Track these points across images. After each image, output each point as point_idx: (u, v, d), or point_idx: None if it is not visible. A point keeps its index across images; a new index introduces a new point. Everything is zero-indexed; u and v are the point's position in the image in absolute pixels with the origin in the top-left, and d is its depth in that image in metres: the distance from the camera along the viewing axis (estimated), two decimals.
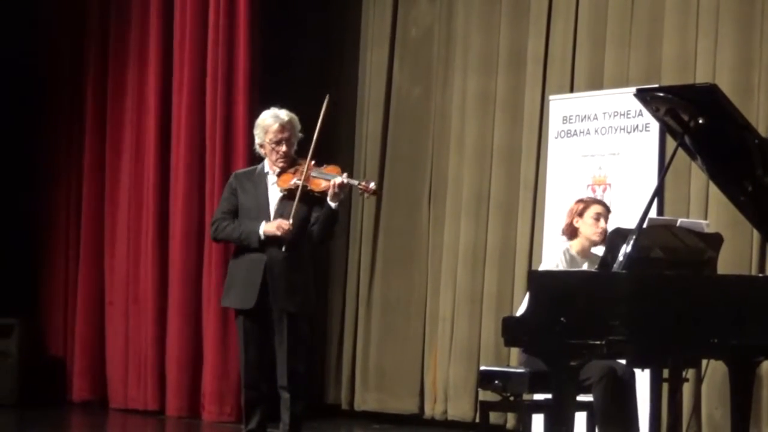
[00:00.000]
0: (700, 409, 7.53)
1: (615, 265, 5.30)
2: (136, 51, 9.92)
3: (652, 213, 6.15)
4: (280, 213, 6.47)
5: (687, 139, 5.58)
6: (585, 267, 6.55)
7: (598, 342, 5.17)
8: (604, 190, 7.92)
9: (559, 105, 8.25)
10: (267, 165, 6.63)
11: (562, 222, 6.80)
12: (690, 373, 6.96)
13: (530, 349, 5.93)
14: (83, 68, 10.31)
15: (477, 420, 8.00)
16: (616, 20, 8.23)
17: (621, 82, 8.08)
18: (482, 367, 6.96)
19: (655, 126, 7.56)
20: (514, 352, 7.90)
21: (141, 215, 9.75)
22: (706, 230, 5.97)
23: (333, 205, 6.42)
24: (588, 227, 6.63)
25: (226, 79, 9.17)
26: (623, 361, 6.23)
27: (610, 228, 5.98)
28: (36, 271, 10.54)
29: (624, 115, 7.89)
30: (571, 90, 8.38)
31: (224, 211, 6.68)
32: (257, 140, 6.62)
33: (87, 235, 10.18)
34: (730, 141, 5.52)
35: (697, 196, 7.72)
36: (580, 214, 6.67)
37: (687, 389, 7.02)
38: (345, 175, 6.46)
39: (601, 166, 7.98)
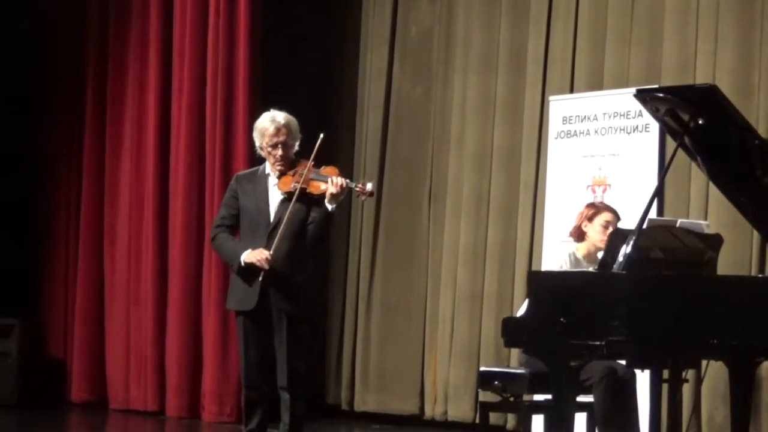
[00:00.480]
0: (700, 410, 7.53)
1: (615, 266, 5.30)
2: (136, 51, 9.92)
3: (652, 213, 6.16)
4: (279, 216, 6.46)
5: (687, 140, 5.57)
6: None
7: (597, 342, 5.17)
8: (604, 191, 7.92)
9: (559, 105, 8.25)
10: (268, 166, 6.62)
11: (564, 222, 6.80)
12: (690, 374, 6.96)
13: (530, 350, 5.92)
14: (83, 68, 10.31)
15: (477, 421, 7.99)
16: (616, 21, 8.23)
17: (621, 83, 8.08)
18: (482, 368, 6.97)
19: (655, 127, 7.56)
20: (515, 352, 7.90)
21: (141, 215, 9.75)
22: (706, 231, 5.96)
23: (330, 207, 6.40)
24: (596, 233, 6.60)
25: (227, 79, 9.18)
26: (624, 362, 6.23)
27: None
28: (36, 272, 10.54)
29: (624, 115, 7.89)
30: (571, 90, 8.39)
31: (223, 216, 6.66)
32: (256, 143, 6.62)
33: (87, 235, 10.18)
34: (730, 142, 5.52)
35: (697, 196, 7.72)
36: (590, 219, 6.64)
37: (687, 390, 7.03)
38: (341, 177, 6.43)
39: (601, 166, 7.98)
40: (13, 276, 10.28)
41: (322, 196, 6.41)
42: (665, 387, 5.94)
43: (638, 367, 6.14)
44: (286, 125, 6.53)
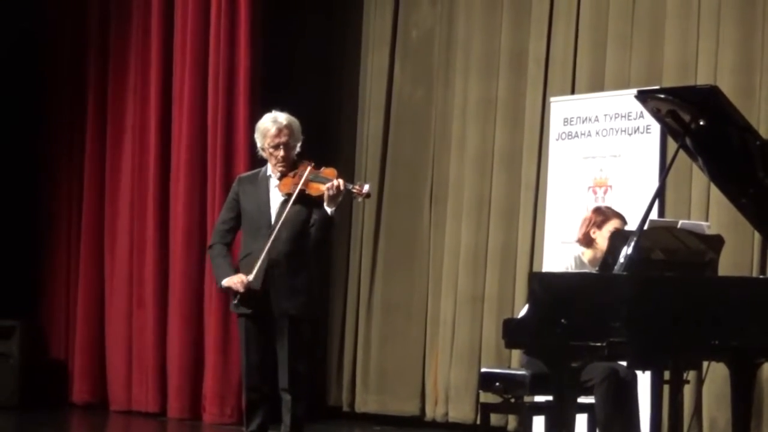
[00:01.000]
0: (701, 411, 7.53)
1: (616, 267, 5.30)
2: (137, 51, 9.92)
3: (653, 215, 6.16)
4: (279, 218, 6.45)
5: (688, 141, 5.58)
6: None
7: (598, 344, 5.16)
8: (605, 192, 7.92)
9: (560, 107, 8.24)
10: (270, 168, 6.62)
11: (565, 224, 6.78)
12: (691, 375, 6.96)
13: (531, 351, 5.92)
14: (84, 68, 10.30)
15: (478, 422, 7.99)
16: (617, 22, 8.23)
17: (622, 84, 8.08)
18: (483, 369, 6.96)
19: (656, 128, 7.56)
20: (515, 353, 7.91)
21: (142, 217, 9.75)
22: (707, 232, 5.96)
23: (329, 210, 6.39)
24: (605, 240, 6.49)
25: (228, 80, 9.18)
26: (625, 363, 6.23)
27: None
28: (37, 273, 10.53)
29: (625, 116, 7.89)
30: (572, 92, 8.39)
31: (224, 220, 6.67)
32: (258, 144, 6.61)
33: (88, 236, 10.17)
34: (731, 143, 5.52)
35: (698, 197, 7.72)
36: (599, 226, 6.57)
37: (688, 391, 7.03)
38: (338, 179, 6.43)
39: (602, 168, 7.97)
40: (14, 277, 10.28)
41: (322, 197, 6.41)
42: (666, 388, 5.94)
43: (639, 368, 6.13)
44: (288, 126, 6.53)
